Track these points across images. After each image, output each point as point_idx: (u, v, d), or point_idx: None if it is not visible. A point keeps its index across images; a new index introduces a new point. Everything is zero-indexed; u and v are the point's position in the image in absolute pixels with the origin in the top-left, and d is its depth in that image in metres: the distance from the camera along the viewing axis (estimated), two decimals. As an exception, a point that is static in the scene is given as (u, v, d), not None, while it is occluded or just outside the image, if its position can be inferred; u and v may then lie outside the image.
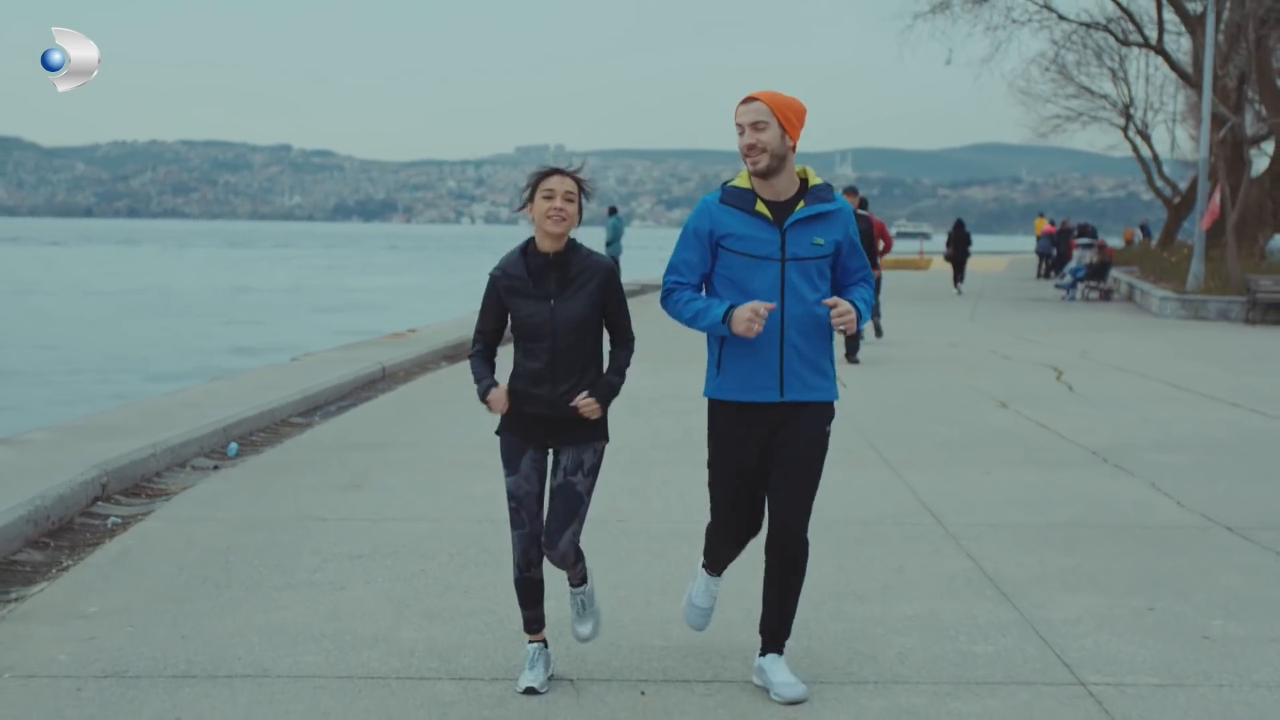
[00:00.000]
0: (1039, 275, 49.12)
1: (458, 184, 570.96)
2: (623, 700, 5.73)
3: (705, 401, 5.87)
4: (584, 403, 5.76)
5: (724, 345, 5.74)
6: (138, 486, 10.04)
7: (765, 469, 5.78)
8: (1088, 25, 42.31)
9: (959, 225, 41.38)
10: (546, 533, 5.86)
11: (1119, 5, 40.33)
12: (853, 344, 18.93)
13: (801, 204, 5.71)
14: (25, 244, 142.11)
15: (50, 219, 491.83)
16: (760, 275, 5.64)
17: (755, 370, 5.69)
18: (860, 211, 19.37)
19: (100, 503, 9.42)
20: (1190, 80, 39.64)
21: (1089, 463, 11.13)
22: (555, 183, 5.79)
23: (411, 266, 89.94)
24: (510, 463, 5.87)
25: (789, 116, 5.65)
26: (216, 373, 19.57)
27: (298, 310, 46.83)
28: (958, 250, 40.26)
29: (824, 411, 5.79)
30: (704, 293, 5.84)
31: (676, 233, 5.91)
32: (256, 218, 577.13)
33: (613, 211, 36.02)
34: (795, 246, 5.66)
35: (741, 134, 5.65)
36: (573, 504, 5.84)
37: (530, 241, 5.89)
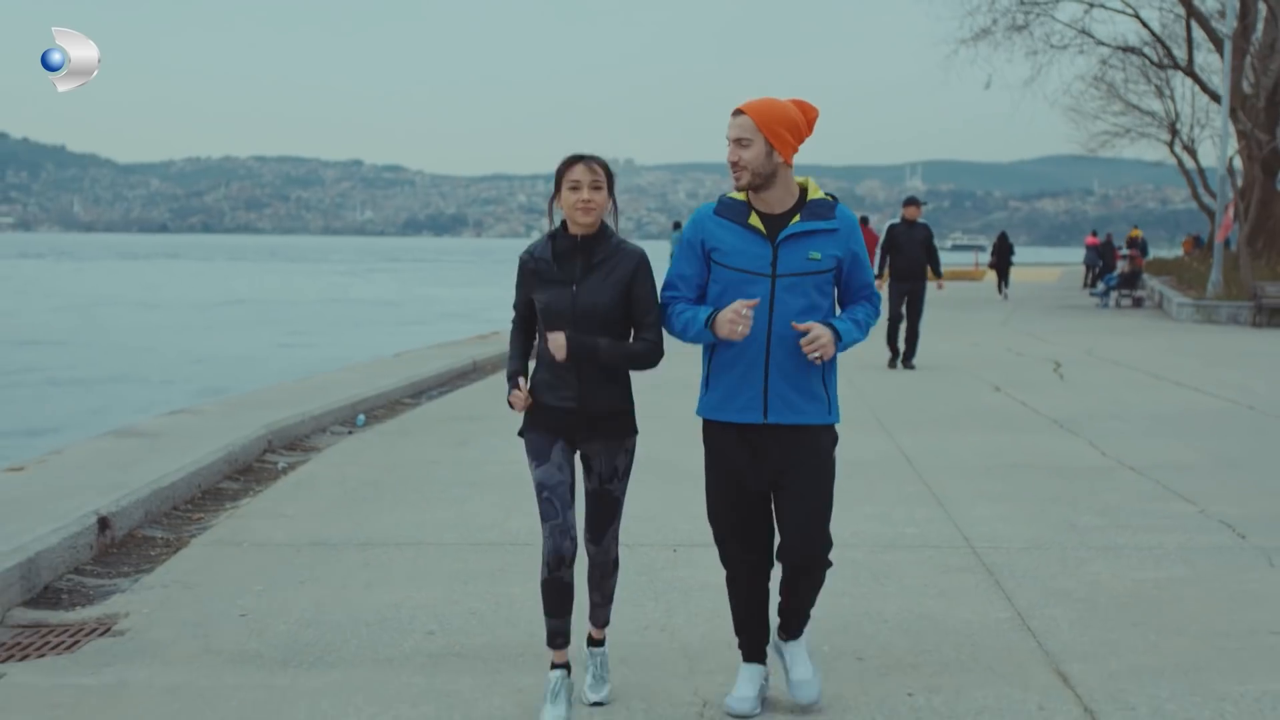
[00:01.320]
0: (1084, 285, 51.68)
1: (528, 198, 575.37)
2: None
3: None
4: (554, 336, 5.57)
5: (712, 361, 5.65)
6: (294, 443, 12.90)
7: (767, 494, 5.68)
8: (1123, 49, 44.81)
9: (1002, 237, 44.94)
10: (589, 532, 5.81)
11: (1149, 30, 42.89)
12: (910, 349, 20.27)
13: (797, 218, 5.56)
14: (127, 259, 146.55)
15: (126, 234, 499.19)
16: (749, 291, 5.49)
17: (740, 389, 5.57)
18: (920, 222, 20.61)
19: (269, 454, 12.26)
20: (1219, 100, 42.02)
21: (1048, 429, 13.82)
22: (580, 173, 5.63)
23: (488, 279, 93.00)
24: (539, 454, 5.70)
25: (777, 131, 5.51)
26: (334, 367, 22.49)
27: (395, 318, 50.23)
28: (1000, 260, 43.75)
29: (822, 437, 5.64)
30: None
31: None
32: (328, 233, 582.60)
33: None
34: (788, 262, 5.50)
35: (729, 149, 5.56)
36: (611, 508, 5.79)
37: (563, 225, 5.75)
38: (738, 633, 5.90)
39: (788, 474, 5.57)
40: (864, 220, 38.90)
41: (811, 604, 5.83)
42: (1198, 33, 42.37)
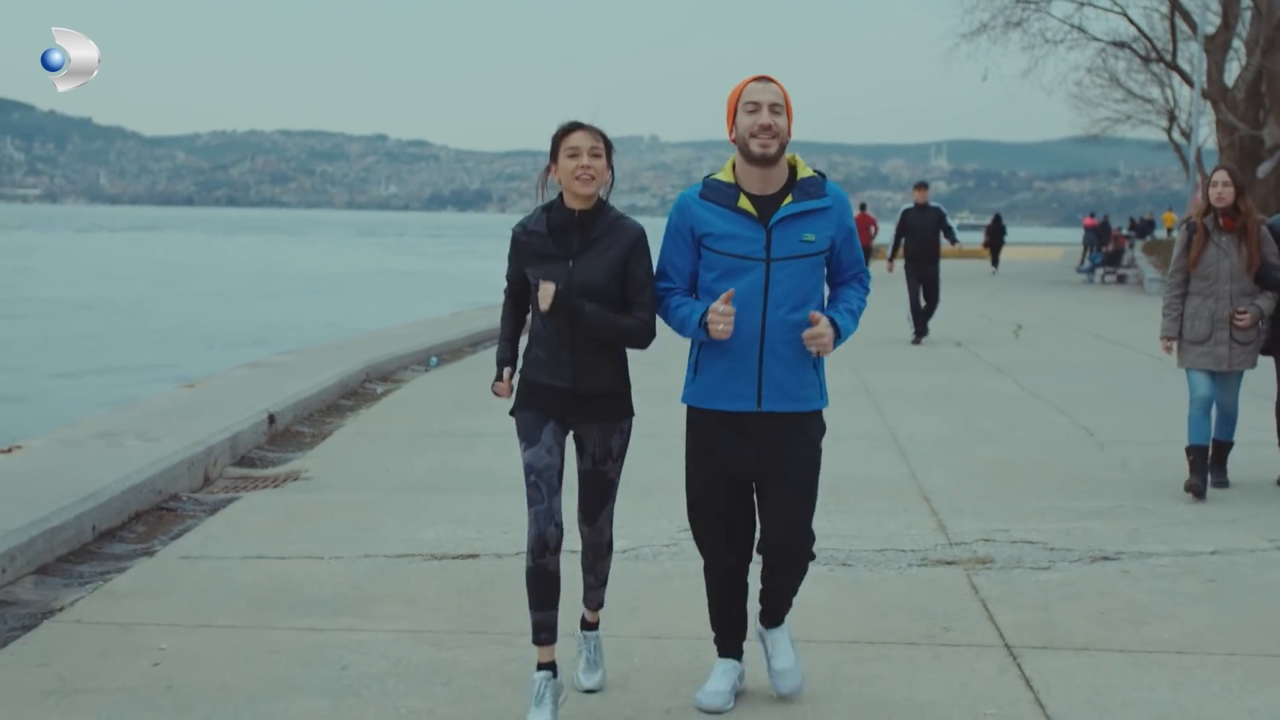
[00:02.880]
0: (1080, 264, 55.02)
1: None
2: None
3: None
4: (544, 288, 5.39)
5: (701, 347, 5.49)
6: (385, 375, 16.32)
7: (750, 485, 5.58)
8: (1114, 44, 48.00)
9: (996, 218, 48.89)
10: (582, 512, 5.71)
11: (1135, 26, 46.09)
12: (922, 325, 21.21)
13: (789, 199, 5.40)
14: (167, 230, 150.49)
15: (152, 207, 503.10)
16: (743, 276, 5.34)
17: (731, 376, 5.42)
18: (932, 205, 21.62)
19: (367, 382, 15.68)
20: (1204, 93, 45.21)
21: (986, 372, 17.21)
22: (579, 139, 5.40)
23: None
24: (529, 434, 5.51)
25: (791, 109, 5.45)
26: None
27: (442, 286, 53.97)
28: (993, 239, 47.50)
29: (811, 426, 5.56)
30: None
31: None
32: (353, 207, 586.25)
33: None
34: (782, 245, 5.36)
35: (755, 112, 5.34)
36: (604, 489, 5.66)
37: (559, 198, 5.52)
38: (714, 627, 5.78)
39: (775, 463, 5.46)
40: (862, 207, 42.44)
41: (794, 592, 5.74)
42: (1185, 28, 45.51)
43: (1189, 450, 9.76)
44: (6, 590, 7.19)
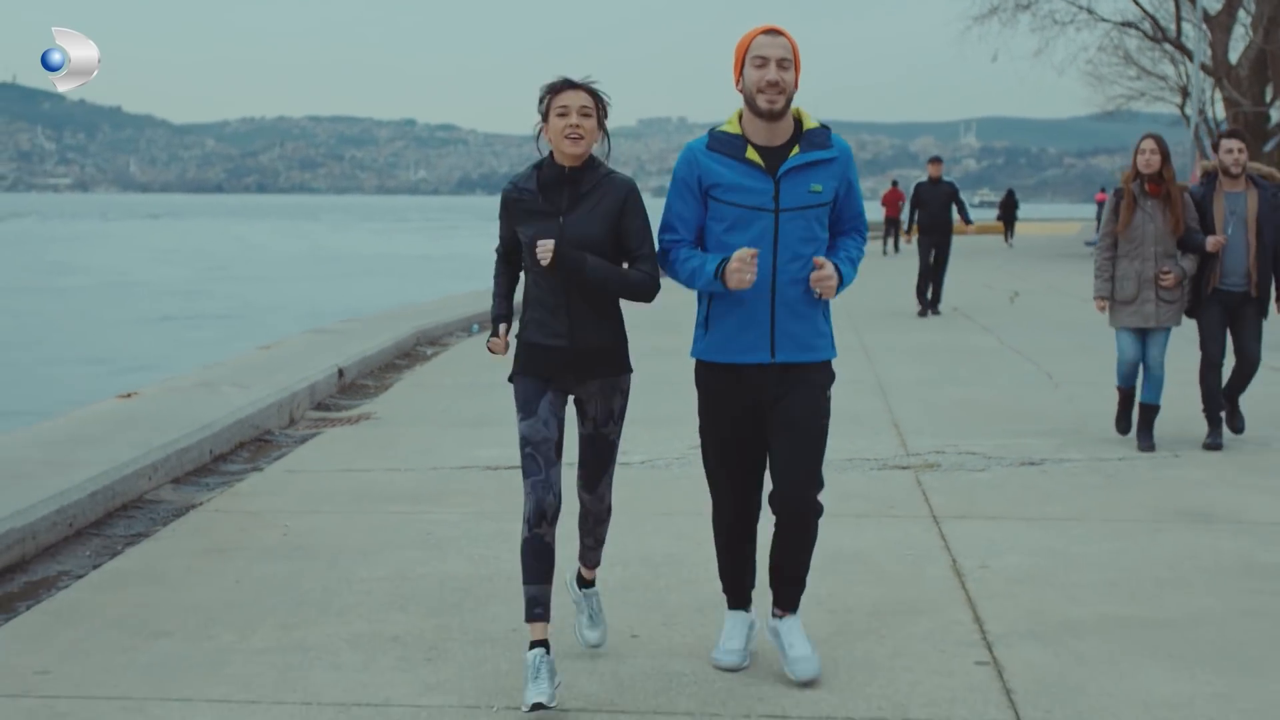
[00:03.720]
0: (1092, 238, 56.87)
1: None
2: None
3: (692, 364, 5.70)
4: (544, 241, 5.33)
5: (711, 301, 5.52)
6: (433, 340, 18.27)
7: (762, 436, 5.58)
8: (1121, 24, 49.67)
9: (1009, 194, 51.33)
10: (583, 479, 5.70)
11: (1140, 7, 47.80)
12: (935, 297, 21.98)
13: (796, 149, 5.41)
14: (203, 218, 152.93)
15: (182, 194, 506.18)
16: (752, 227, 5.36)
17: (744, 328, 5.44)
18: (945, 180, 22.44)
19: (418, 345, 17.62)
20: (1208, 70, 46.85)
21: (973, 330, 19.09)
22: (569, 98, 5.36)
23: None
24: (527, 405, 5.49)
25: (799, 62, 5.40)
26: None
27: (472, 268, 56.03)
28: (1006, 214, 49.75)
29: (821, 375, 5.58)
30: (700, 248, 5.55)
31: None
32: (382, 192, 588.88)
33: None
34: (791, 196, 5.37)
35: (762, 67, 5.30)
36: (606, 454, 5.65)
37: (549, 155, 5.47)
38: (724, 577, 5.85)
39: (786, 409, 5.49)
40: (893, 183, 44.36)
41: (807, 566, 5.74)
42: (1189, 7, 47.17)
43: (1119, 389, 10.84)
44: (154, 493, 9.12)
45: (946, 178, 22.67)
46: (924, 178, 22.78)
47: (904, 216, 38.09)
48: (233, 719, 5.17)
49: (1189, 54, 47.53)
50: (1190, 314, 10.64)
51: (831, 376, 5.62)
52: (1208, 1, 46.50)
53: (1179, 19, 46.81)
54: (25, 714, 5.21)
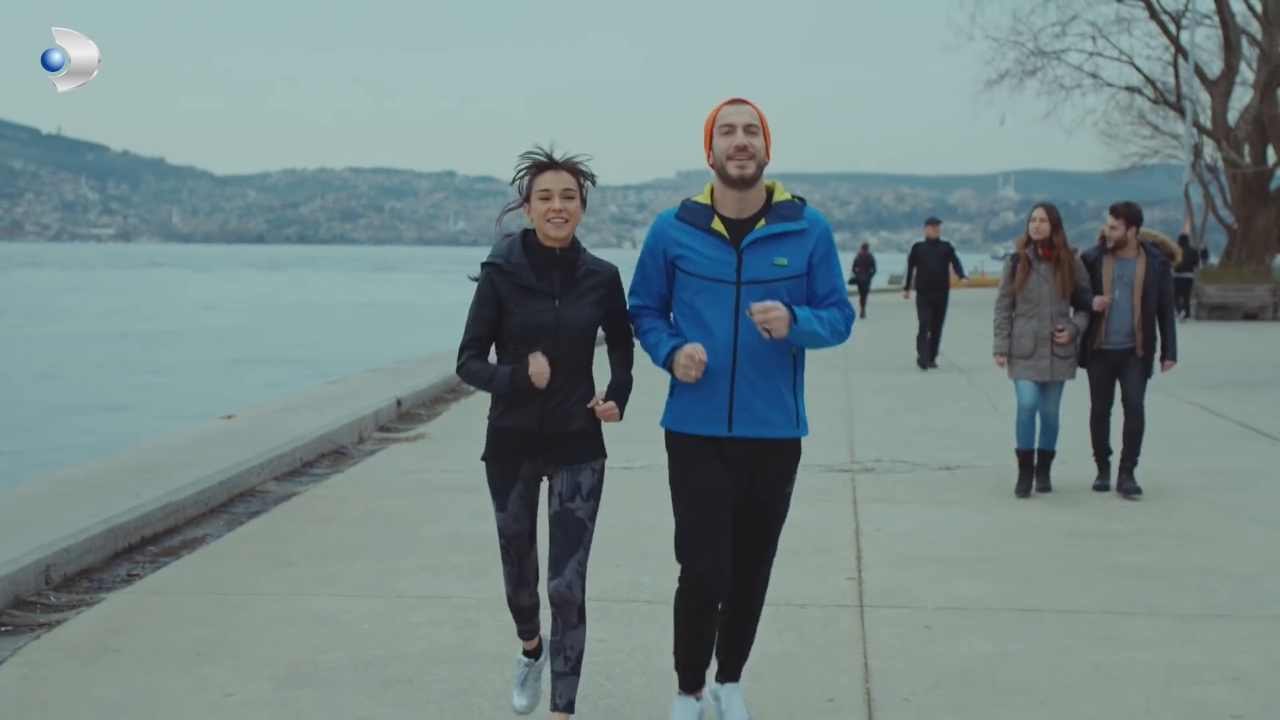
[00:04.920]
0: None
1: (619, 209, 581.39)
2: None
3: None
4: (605, 408, 5.38)
5: None
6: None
7: (729, 510, 5.48)
8: (1126, 89, 52.39)
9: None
10: (549, 563, 5.44)
11: (1141, 73, 50.53)
12: (932, 350, 22.79)
13: (762, 222, 5.37)
14: (250, 269, 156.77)
15: (224, 245, 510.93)
16: (714, 299, 5.34)
17: (703, 400, 5.41)
18: (941, 240, 23.31)
19: (462, 384, 20.30)
20: (1208, 132, 49.48)
21: (950, 371, 21.70)
22: (551, 180, 5.28)
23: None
24: (498, 496, 5.50)
25: (768, 131, 5.43)
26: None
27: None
28: None
29: (786, 455, 5.56)
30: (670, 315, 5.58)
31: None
32: (422, 243, 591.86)
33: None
34: (753, 268, 5.32)
35: (730, 134, 5.32)
36: (574, 532, 5.41)
37: (531, 233, 5.41)
38: (680, 660, 5.68)
39: (747, 497, 5.51)
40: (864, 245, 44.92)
41: (751, 642, 5.88)
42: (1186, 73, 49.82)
43: (1018, 453, 11.39)
44: (262, 485, 11.83)
45: (943, 238, 23.70)
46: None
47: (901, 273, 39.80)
48: (349, 604, 7.87)
49: (1185, 114, 50.11)
50: (1083, 365, 11.38)
51: (798, 455, 5.62)
52: (1208, 63, 49.17)
53: (1178, 84, 49.43)
54: (213, 602, 7.92)
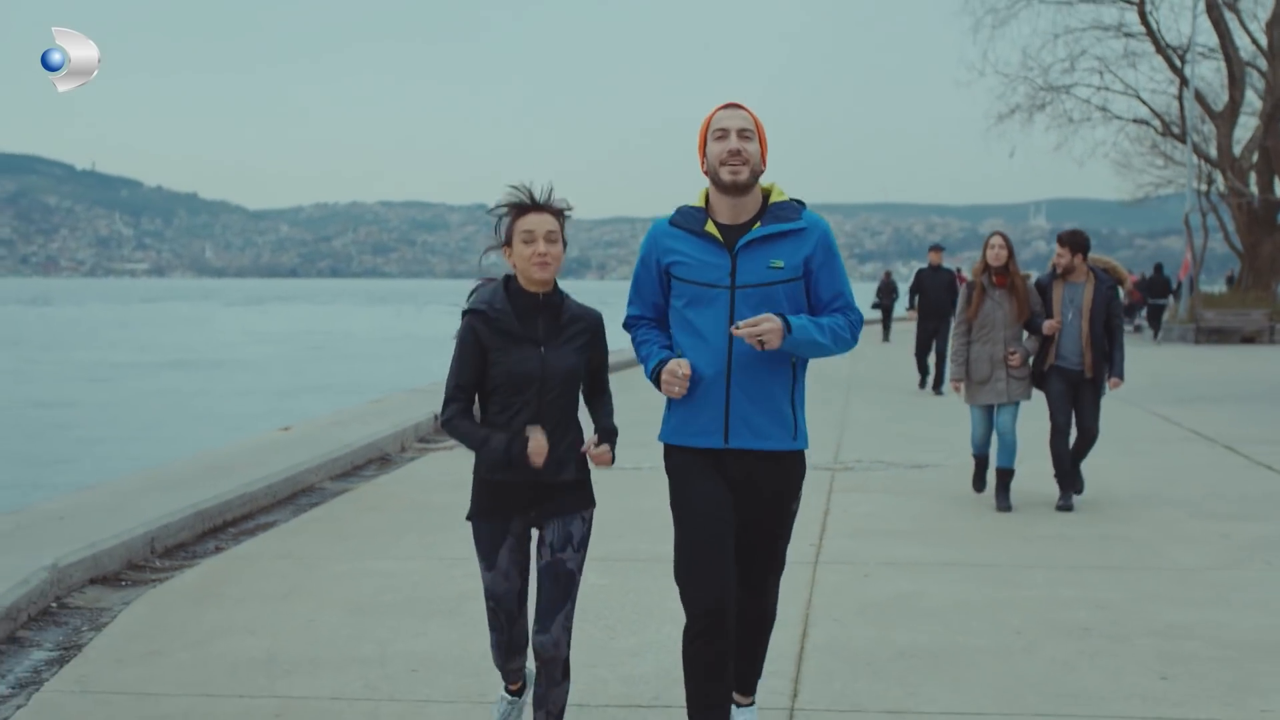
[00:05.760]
0: (1118, 317, 60.63)
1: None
2: None
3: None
4: (598, 452, 5.24)
5: None
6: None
7: (730, 528, 5.27)
8: (1134, 121, 54.05)
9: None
10: (536, 616, 5.34)
11: (1148, 106, 52.22)
12: (937, 377, 23.24)
13: (757, 224, 5.21)
14: (294, 303, 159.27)
15: (257, 279, 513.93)
16: (708, 304, 5.18)
17: (699, 411, 5.24)
18: (945, 267, 23.62)
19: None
20: (1214, 163, 51.12)
21: (946, 392, 23.45)
22: (534, 222, 5.19)
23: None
24: (487, 555, 5.36)
25: (764, 137, 5.28)
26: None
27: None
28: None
29: (786, 466, 5.35)
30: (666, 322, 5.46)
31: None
32: (453, 276, 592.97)
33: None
34: (748, 272, 5.14)
35: (723, 139, 5.18)
36: (564, 584, 5.33)
37: (513, 278, 5.31)
38: (692, 708, 5.29)
39: (750, 527, 5.33)
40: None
41: (763, 657, 5.70)
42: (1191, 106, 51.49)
43: (974, 458, 12.32)
44: (319, 484, 13.63)
45: (944, 265, 24.08)
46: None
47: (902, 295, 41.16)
48: (400, 564, 9.68)
49: (1197, 149, 51.73)
50: (1039, 386, 11.79)
51: (803, 469, 5.44)
52: (1214, 96, 50.81)
53: (1183, 117, 51.03)
54: (290, 564, 9.74)
